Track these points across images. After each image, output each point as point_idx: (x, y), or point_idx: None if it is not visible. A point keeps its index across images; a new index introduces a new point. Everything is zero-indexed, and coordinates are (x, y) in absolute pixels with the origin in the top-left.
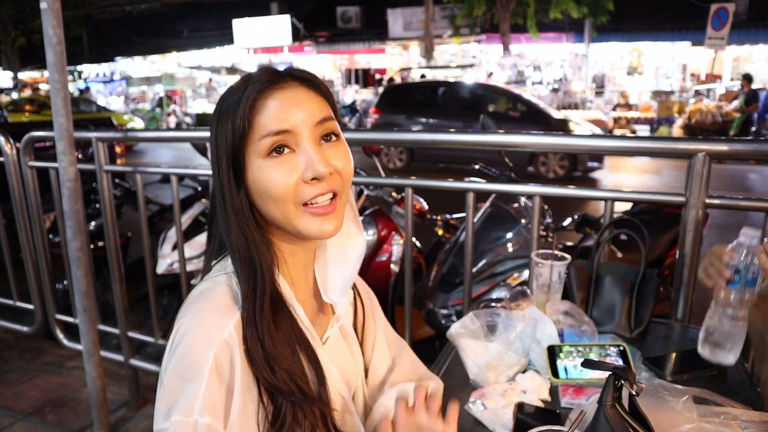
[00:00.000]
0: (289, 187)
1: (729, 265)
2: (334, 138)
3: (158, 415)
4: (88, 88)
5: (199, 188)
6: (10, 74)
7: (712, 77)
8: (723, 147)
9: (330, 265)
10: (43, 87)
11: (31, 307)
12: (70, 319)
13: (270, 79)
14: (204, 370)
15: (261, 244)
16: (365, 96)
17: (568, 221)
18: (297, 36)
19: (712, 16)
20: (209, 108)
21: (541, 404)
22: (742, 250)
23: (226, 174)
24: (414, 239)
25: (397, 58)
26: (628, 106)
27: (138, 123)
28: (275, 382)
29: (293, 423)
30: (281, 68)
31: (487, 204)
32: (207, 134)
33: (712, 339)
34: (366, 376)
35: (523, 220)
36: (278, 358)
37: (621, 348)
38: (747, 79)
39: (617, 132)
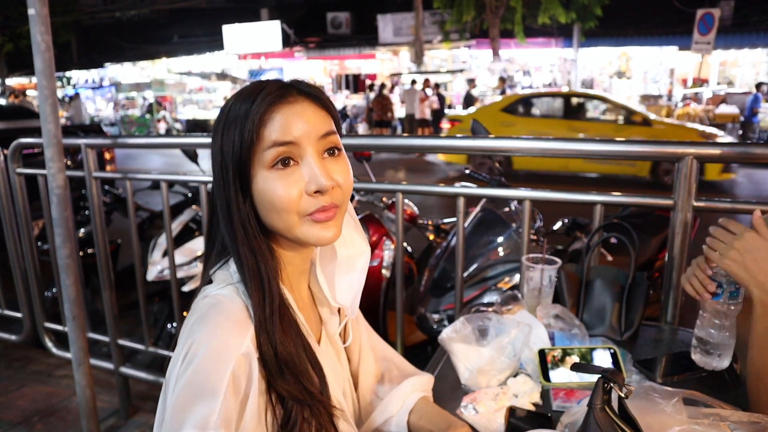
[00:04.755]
0: (292, 199)
1: (712, 278)
2: (336, 152)
3: (167, 427)
4: (77, 94)
5: (190, 195)
6: None
7: (699, 81)
8: (710, 150)
9: (336, 272)
10: (31, 93)
11: (19, 315)
12: (59, 327)
13: (279, 94)
14: (221, 386)
15: (267, 253)
16: (355, 101)
17: (558, 225)
18: (287, 42)
19: (698, 21)
20: (199, 114)
21: (532, 408)
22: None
23: (233, 184)
24: (405, 244)
25: (388, 64)
26: None
27: None
28: (286, 386)
29: (303, 424)
30: (288, 81)
31: (478, 208)
32: (197, 140)
33: (703, 348)
34: (356, 381)
35: (513, 225)
36: (288, 362)
37: (611, 351)
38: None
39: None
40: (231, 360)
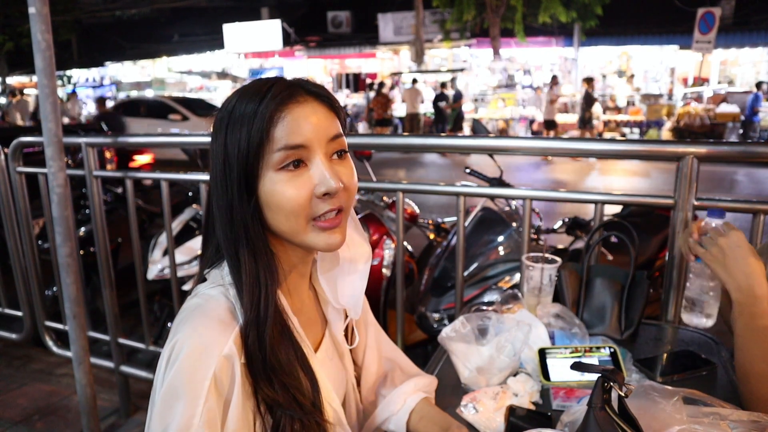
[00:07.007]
0: (301, 202)
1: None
2: (342, 154)
3: (153, 428)
4: (74, 93)
5: (190, 193)
6: None
7: (700, 80)
8: (711, 149)
9: (339, 274)
10: (32, 92)
11: (19, 314)
12: (59, 326)
13: (288, 93)
14: (203, 387)
15: (268, 256)
16: (356, 100)
17: (558, 224)
18: (288, 41)
19: (699, 20)
20: None
21: (532, 407)
22: (707, 228)
23: (237, 184)
24: (405, 243)
25: (388, 63)
26: (618, 110)
27: None
28: (273, 394)
29: None
30: (294, 79)
31: (478, 208)
32: (196, 140)
33: (691, 307)
34: (358, 380)
35: (513, 224)
36: (277, 370)
37: (612, 350)
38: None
39: (607, 135)
40: (212, 361)
